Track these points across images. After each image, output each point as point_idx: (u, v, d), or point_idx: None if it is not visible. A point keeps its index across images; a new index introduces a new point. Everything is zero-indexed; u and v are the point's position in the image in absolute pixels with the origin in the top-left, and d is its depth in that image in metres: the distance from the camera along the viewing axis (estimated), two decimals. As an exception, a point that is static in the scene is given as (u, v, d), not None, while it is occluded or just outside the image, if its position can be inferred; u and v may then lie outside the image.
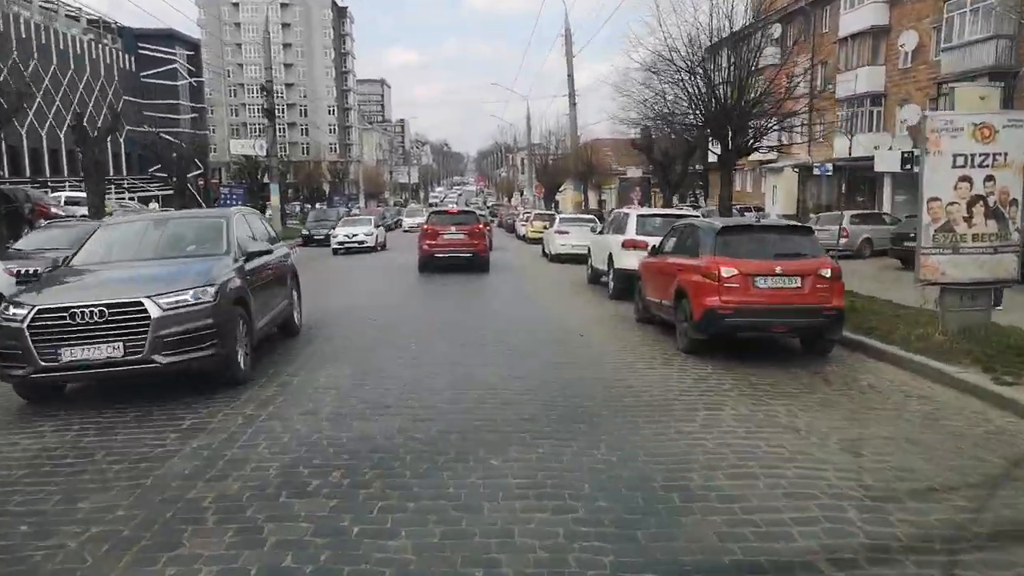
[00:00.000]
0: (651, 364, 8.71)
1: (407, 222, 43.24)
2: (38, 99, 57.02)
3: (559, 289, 17.05)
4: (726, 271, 8.48)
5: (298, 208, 52.52)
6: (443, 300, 15.21)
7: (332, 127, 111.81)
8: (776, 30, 31.98)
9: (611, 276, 15.13)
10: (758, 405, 6.76)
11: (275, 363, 8.45)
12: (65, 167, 60.24)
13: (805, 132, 27.05)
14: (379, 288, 17.13)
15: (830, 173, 31.68)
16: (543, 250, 24.48)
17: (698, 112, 18.06)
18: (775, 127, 19.57)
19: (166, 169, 52.80)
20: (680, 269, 9.53)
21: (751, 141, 18.09)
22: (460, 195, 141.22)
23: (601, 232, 17.49)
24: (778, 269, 8.51)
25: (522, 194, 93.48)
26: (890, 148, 28.13)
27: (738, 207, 32.09)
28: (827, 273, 8.58)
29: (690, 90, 17.30)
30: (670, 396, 7.18)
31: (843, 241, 20.63)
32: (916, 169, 11.21)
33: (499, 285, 17.23)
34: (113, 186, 59.06)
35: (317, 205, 46.56)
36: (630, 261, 13.44)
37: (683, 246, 10.12)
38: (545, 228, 29.16)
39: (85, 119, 36.94)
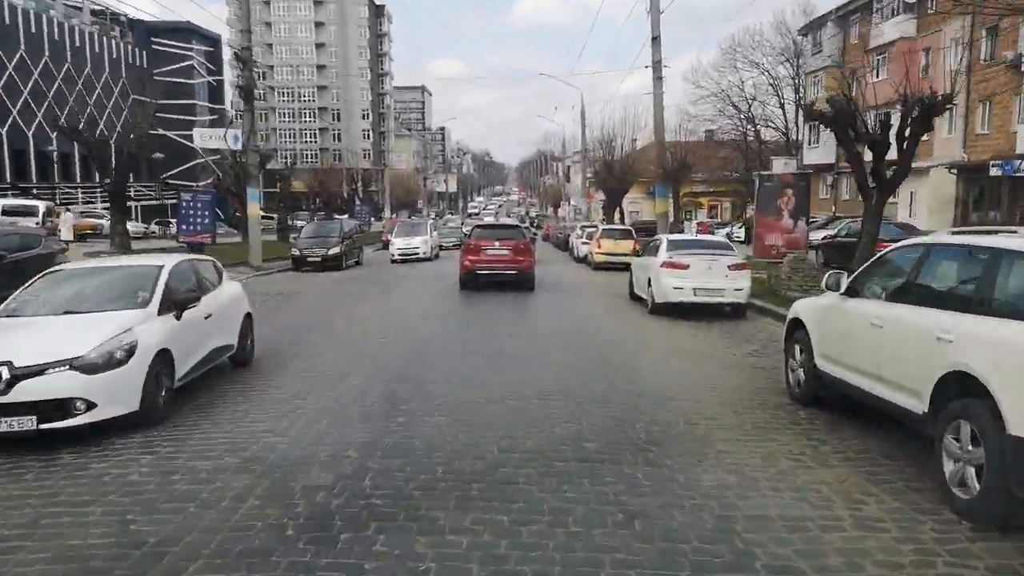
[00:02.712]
0: None
1: (397, 245, 28.80)
2: (24, 95, 50.93)
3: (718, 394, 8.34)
4: None
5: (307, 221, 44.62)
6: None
7: (366, 132, 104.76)
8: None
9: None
10: None
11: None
12: (56, 172, 53.70)
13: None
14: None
15: (1021, 172, 22.29)
16: (630, 289, 15.76)
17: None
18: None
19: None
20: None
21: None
22: (500, 206, 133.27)
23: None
24: None
25: (570, 203, 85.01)
26: None
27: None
28: None
29: None
30: None
31: None
32: None
33: (572, 377, 8.58)
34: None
35: (315, 217, 37.86)
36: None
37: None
38: (630, 253, 20.40)
39: (84, 120, 30.16)
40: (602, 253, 24.29)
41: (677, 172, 23.87)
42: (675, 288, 12.66)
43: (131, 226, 40.00)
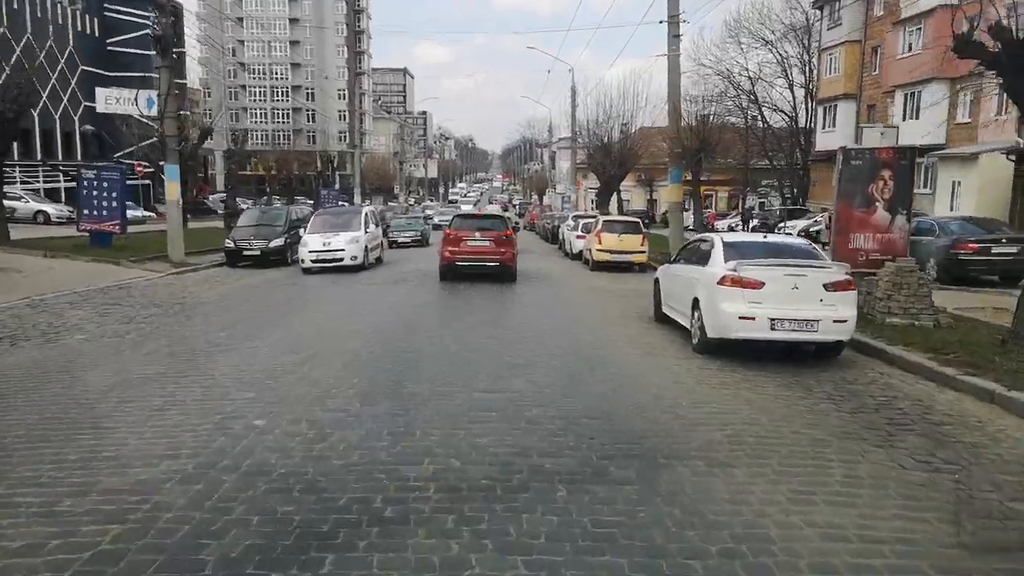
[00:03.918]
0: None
1: (310, 246, 19.18)
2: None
3: None
4: None
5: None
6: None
7: (342, 114, 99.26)
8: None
9: None
10: None
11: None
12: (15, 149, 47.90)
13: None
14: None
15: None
16: (656, 306, 11.29)
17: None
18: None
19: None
20: None
21: None
22: (483, 193, 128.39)
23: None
24: None
25: (556, 190, 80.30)
26: None
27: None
28: None
29: None
30: None
31: None
32: None
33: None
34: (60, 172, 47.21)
35: (263, 200, 32.94)
36: None
37: None
38: (637, 251, 16.13)
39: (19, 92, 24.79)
40: (603, 250, 19.82)
41: (698, 151, 19.37)
42: (742, 318, 8.20)
43: (52, 209, 35.07)
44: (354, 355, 8.66)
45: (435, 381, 7.32)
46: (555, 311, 12.78)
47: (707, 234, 10.46)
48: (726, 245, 9.12)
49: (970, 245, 14.91)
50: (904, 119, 32.91)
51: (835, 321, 8.17)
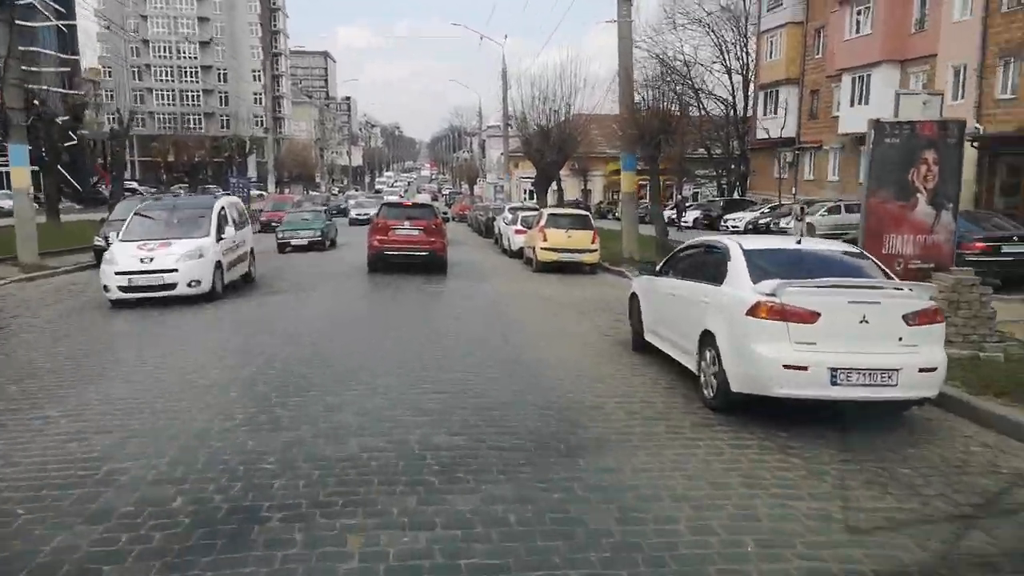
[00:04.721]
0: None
1: (118, 264, 12.00)
2: None
3: None
4: None
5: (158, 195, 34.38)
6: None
7: (258, 96, 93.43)
8: None
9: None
10: None
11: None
12: None
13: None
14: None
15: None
16: (634, 325, 8.61)
17: None
18: None
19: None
20: None
21: None
22: (410, 183, 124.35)
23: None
24: None
25: (486, 179, 77.29)
26: None
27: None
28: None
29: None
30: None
31: None
32: None
33: None
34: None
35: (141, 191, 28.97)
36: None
37: None
38: (588, 249, 13.57)
39: None
40: (549, 248, 17.03)
41: (657, 134, 16.77)
42: (789, 367, 5.53)
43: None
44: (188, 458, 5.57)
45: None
46: (500, 333, 9.91)
47: (712, 237, 7.72)
48: (747, 255, 6.44)
49: (977, 244, 12.85)
50: (852, 105, 31.44)
51: (921, 370, 5.60)
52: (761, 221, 30.89)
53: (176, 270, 11.96)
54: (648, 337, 8.26)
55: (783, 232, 28.68)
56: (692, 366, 6.83)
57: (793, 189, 36.86)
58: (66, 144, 45.45)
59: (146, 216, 13.54)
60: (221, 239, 13.04)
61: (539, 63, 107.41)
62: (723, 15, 43.69)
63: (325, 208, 28.89)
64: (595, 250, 17.36)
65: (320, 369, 7.68)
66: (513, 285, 15.29)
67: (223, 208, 13.81)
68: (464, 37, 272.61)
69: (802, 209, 21.10)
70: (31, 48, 58.54)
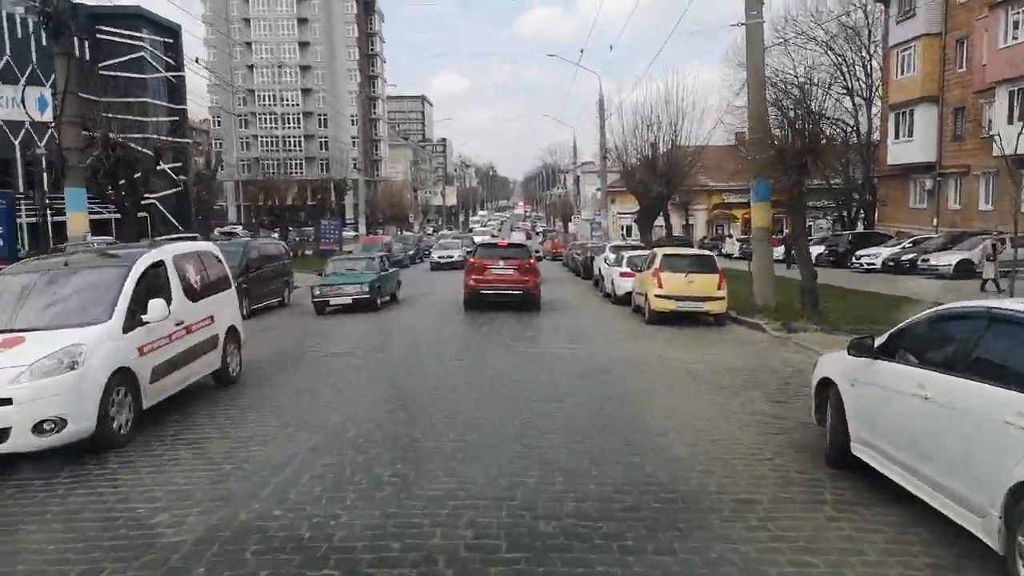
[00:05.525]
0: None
1: None
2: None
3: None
4: None
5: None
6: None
7: (355, 140, 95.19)
8: None
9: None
10: None
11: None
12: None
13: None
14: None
15: None
16: (830, 442, 5.60)
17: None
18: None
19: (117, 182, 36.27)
20: None
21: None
22: (503, 221, 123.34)
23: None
24: None
25: (581, 215, 74.70)
26: None
27: None
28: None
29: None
30: None
31: None
32: None
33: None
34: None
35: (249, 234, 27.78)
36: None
37: None
38: (715, 297, 10.65)
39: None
40: (665, 296, 14.11)
41: (801, 154, 13.63)
42: None
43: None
44: None
45: None
46: (621, 436, 7.01)
47: (998, 303, 4.62)
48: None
49: None
50: (1011, 122, 27.02)
51: None
52: (904, 257, 26.73)
53: (9, 400, 6.14)
54: (859, 452, 5.28)
55: (934, 270, 24.72)
56: (983, 534, 3.83)
57: (934, 220, 32.34)
58: (173, 190, 46.61)
59: (10, 279, 7.86)
60: (143, 324, 7.46)
61: (637, 94, 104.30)
62: (843, 31, 39.75)
63: (382, 254, 22.02)
64: (722, 297, 14.31)
65: None
66: (625, 344, 12.42)
67: (158, 266, 8.23)
68: (558, 72, 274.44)
69: (994, 246, 17.20)
70: (142, 99, 61.21)
